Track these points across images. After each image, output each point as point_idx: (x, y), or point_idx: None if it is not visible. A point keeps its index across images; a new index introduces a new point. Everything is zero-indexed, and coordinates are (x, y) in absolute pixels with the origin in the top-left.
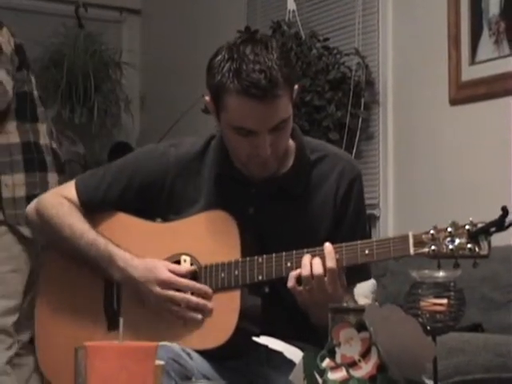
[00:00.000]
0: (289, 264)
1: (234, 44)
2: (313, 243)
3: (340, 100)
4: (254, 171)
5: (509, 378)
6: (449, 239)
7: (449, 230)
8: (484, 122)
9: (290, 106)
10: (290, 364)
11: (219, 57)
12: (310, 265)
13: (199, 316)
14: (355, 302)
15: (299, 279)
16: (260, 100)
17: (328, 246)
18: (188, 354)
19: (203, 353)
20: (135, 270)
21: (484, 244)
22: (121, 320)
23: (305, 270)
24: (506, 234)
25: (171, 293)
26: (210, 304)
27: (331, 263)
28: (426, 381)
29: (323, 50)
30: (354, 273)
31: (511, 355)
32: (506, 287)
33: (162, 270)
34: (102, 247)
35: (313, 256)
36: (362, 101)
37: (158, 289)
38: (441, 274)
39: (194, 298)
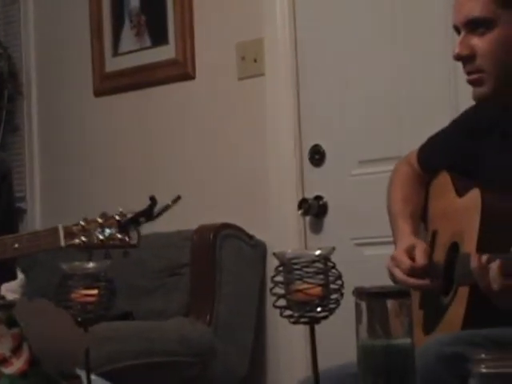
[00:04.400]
0: None
1: None
2: None
3: None
4: None
5: (157, 362)
6: (99, 230)
7: (99, 220)
8: (128, 112)
9: None
10: None
11: None
12: None
13: None
14: (4, 298)
15: None
16: None
17: None
18: None
19: None
20: None
21: (134, 233)
22: None
23: None
24: (152, 221)
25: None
26: None
27: None
28: (79, 372)
29: None
30: None
31: (159, 340)
32: (154, 273)
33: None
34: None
35: None
36: (6, 92)
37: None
38: (91, 264)
39: None
